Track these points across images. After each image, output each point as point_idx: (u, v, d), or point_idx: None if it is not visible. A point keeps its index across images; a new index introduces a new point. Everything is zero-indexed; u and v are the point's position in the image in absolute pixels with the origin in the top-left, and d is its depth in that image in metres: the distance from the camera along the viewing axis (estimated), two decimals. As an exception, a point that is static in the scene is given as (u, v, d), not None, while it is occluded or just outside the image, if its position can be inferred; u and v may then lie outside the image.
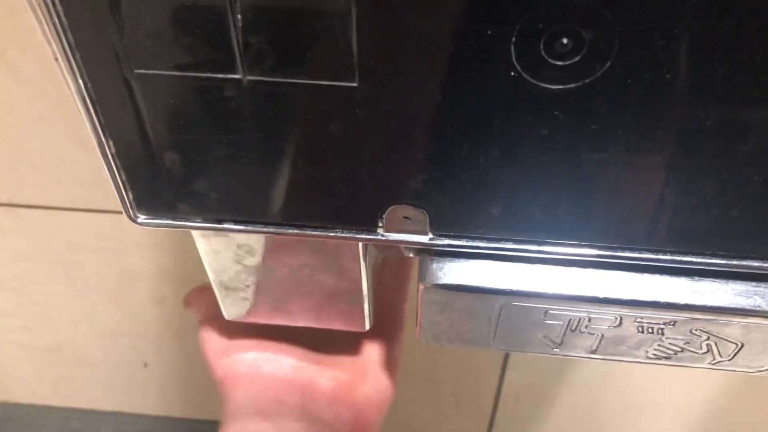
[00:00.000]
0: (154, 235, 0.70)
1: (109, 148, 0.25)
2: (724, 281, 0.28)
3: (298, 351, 0.40)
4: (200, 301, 0.45)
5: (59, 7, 0.22)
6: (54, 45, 0.23)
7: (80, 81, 0.23)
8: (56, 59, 0.23)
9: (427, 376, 0.87)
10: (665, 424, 0.88)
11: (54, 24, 0.22)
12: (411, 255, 0.34)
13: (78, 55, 0.23)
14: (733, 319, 0.27)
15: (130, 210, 0.28)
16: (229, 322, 0.36)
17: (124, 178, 0.27)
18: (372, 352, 0.41)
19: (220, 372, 0.39)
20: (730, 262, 0.26)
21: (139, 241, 0.71)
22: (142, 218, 0.28)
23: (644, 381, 0.82)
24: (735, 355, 0.29)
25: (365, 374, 0.40)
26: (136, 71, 0.23)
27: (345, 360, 0.41)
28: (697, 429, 0.88)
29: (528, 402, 0.88)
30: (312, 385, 0.38)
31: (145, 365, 0.92)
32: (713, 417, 0.85)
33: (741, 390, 0.81)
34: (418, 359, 0.84)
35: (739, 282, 0.27)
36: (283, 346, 0.40)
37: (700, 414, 0.85)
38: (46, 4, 0.21)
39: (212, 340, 0.40)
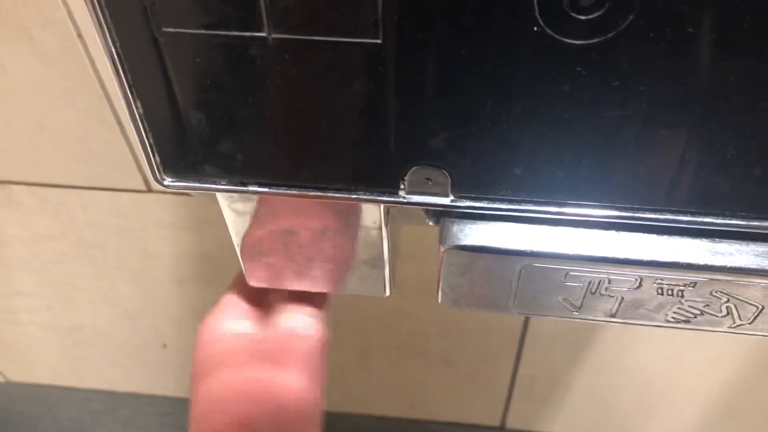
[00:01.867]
0: (174, 214, 0.71)
1: (137, 108, 0.26)
2: (744, 242, 0.28)
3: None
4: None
5: (90, -36, 0.22)
6: (85, 7, 0.23)
7: (109, 40, 0.24)
8: (79, 36, 0.24)
9: (443, 358, 0.87)
10: (681, 407, 0.88)
11: (84, -18, 0.22)
12: (430, 223, 0.34)
13: (108, 14, 0.23)
14: (753, 281, 0.27)
15: (157, 173, 0.28)
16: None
17: (151, 139, 0.27)
18: None
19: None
20: (751, 223, 0.26)
21: (159, 220, 0.72)
22: (168, 181, 0.28)
23: (660, 363, 0.82)
24: (755, 317, 0.29)
25: None
26: (164, 29, 0.23)
27: None
28: (713, 412, 0.87)
29: (544, 384, 0.88)
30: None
31: (165, 346, 0.93)
32: (729, 400, 0.85)
33: (758, 373, 0.81)
34: (433, 341, 0.84)
35: (761, 243, 0.28)
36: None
37: (716, 397, 0.85)
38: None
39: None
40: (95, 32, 0.24)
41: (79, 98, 0.58)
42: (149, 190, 0.68)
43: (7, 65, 0.56)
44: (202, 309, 0.85)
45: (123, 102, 0.26)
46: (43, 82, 0.57)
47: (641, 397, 0.88)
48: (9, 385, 1.06)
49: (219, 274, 0.79)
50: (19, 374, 1.04)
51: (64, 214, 0.72)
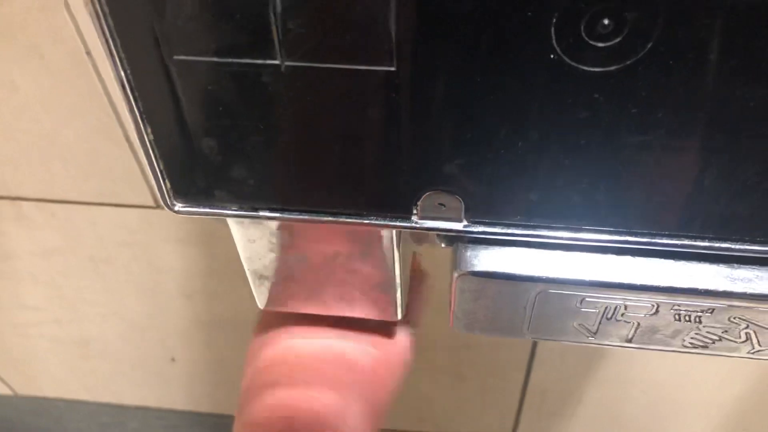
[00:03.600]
0: (183, 229, 0.71)
1: (147, 135, 0.26)
2: (764, 268, 0.27)
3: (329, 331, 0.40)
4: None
5: (101, -6, 0.22)
6: (95, 33, 0.23)
7: (120, 68, 0.24)
8: (88, 53, 0.23)
9: (454, 372, 0.87)
10: (693, 421, 0.87)
11: (95, 10, 0.22)
12: (443, 245, 0.34)
13: (118, 42, 0.23)
14: (773, 307, 0.27)
15: (168, 198, 0.28)
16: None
17: (161, 165, 0.27)
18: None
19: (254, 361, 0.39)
20: (770, 249, 0.26)
21: (167, 235, 0.72)
22: (179, 206, 0.28)
23: (671, 377, 0.81)
24: (774, 343, 0.29)
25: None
26: (175, 57, 0.23)
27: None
28: (726, 426, 0.87)
29: (554, 398, 0.87)
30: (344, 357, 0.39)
31: (173, 360, 0.93)
32: (742, 415, 0.84)
33: (771, 388, 0.80)
34: (444, 355, 0.84)
35: (780, 269, 0.27)
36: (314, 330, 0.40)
37: (727, 411, 0.84)
38: (89, -9, 0.22)
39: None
40: (105, 57, 0.24)
41: (89, 115, 0.58)
42: (157, 205, 0.68)
43: (18, 82, 0.56)
44: (210, 322, 0.85)
45: (134, 128, 0.26)
46: (53, 98, 0.57)
47: (652, 411, 0.87)
48: (17, 398, 1.06)
49: (227, 289, 0.79)
50: (27, 387, 1.04)
51: (72, 229, 0.72)
